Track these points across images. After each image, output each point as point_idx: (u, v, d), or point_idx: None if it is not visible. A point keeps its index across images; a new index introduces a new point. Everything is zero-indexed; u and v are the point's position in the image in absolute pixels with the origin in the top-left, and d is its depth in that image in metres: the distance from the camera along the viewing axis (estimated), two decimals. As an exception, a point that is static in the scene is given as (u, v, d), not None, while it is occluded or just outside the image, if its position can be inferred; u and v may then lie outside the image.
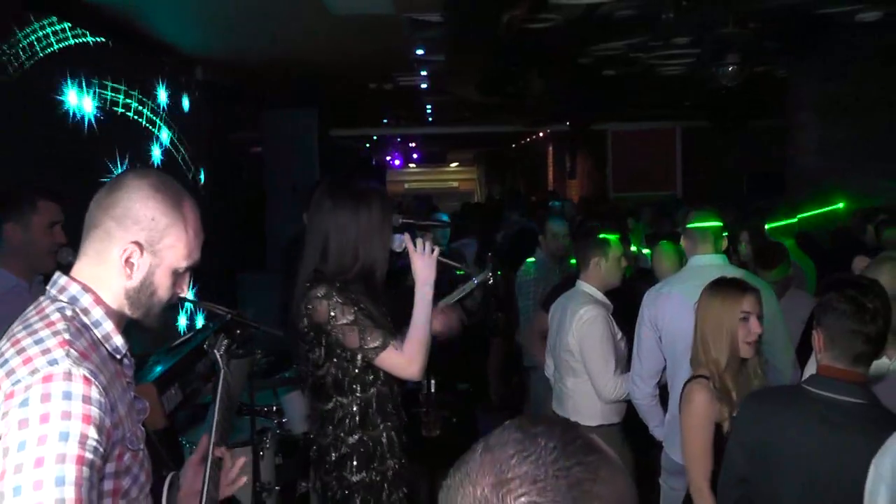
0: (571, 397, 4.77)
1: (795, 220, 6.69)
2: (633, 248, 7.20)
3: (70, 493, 1.68)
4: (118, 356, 1.99)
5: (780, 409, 2.86)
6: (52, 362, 1.78)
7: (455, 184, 30.96)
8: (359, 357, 3.16)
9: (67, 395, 1.74)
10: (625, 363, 4.67)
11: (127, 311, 2.01)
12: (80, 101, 5.70)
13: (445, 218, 9.15)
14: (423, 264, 3.23)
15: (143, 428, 2.05)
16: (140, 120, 6.91)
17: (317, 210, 3.26)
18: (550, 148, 20.29)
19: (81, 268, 1.99)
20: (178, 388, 3.25)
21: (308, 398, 3.36)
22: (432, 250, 3.25)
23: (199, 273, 2.14)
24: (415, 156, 27.56)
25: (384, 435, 3.23)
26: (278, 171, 11.48)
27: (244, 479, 2.44)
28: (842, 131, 9.15)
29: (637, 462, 4.49)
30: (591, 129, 15.07)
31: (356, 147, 19.21)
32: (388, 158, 25.23)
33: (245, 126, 12.11)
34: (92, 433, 1.75)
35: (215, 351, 2.50)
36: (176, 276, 2.05)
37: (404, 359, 3.15)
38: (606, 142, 16.37)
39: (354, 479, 3.18)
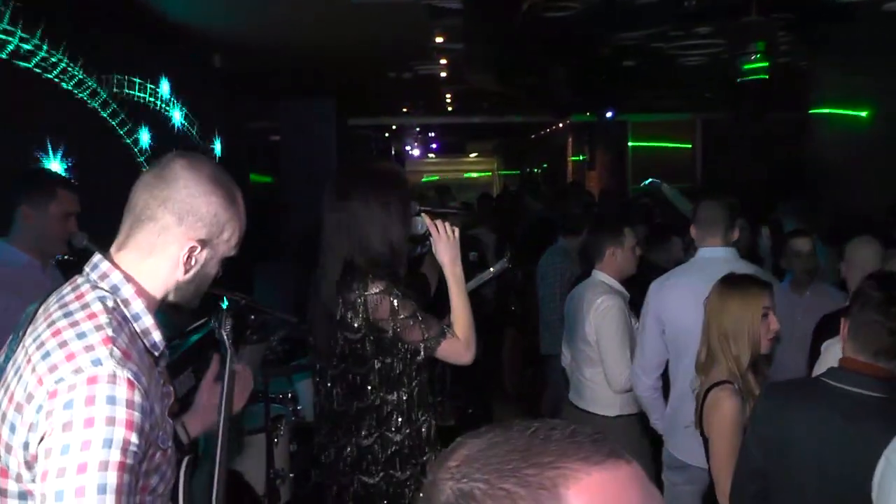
0: (589, 388, 4.74)
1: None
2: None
3: (112, 500, 1.68)
4: (156, 353, 1.96)
5: (798, 401, 2.80)
6: (97, 362, 1.75)
7: (474, 174, 30.90)
8: (419, 354, 3.09)
9: (112, 400, 1.72)
10: None
11: (171, 297, 2.00)
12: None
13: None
14: (447, 245, 3.21)
15: (171, 421, 2.03)
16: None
17: (339, 199, 3.14)
18: (570, 139, 20.20)
19: (127, 258, 1.95)
20: (191, 374, 3.24)
21: (327, 397, 3.23)
22: (454, 231, 3.24)
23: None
24: (434, 146, 27.49)
25: (425, 427, 3.19)
26: (296, 161, 11.48)
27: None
28: (864, 124, 9.06)
29: (655, 455, 4.45)
30: (610, 120, 14.97)
31: (375, 136, 19.17)
32: (406, 148, 25.19)
33: (263, 114, 12.10)
34: (134, 438, 1.73)
35: (222, 331, 2.48)
36: (221, 263, 2.06)
37: (462, 344, 3.12)
38: (626, 133, 16.28)
39: (404, 476, 3.12)
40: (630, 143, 16.19)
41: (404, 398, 3.12)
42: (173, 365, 3.15)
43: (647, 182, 9.60)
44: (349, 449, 3.14)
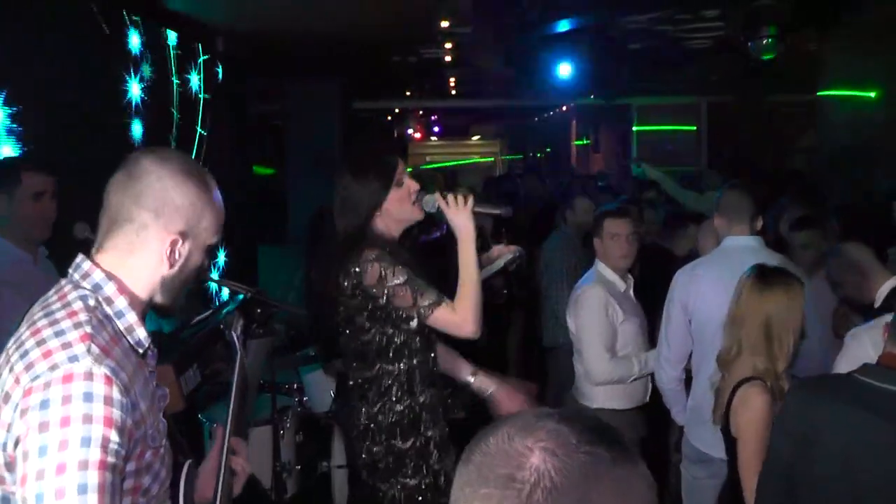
0: (577, 378, 4.64)
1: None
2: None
3: (94, 500, 1.63)
4: (140, 350, 1.91)
5: (829, 398, 2.67)
6: (73, 359, 1.71)
7: (476, 157, 30.79)
8: (412, 321, 3.11)
9: (88, 397, 1.68)
10: (638, 345, 4.53)
11: (158, 298, 1.97)
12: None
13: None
14: (461, 218, 3.14)
15: (164, 421, 2.00)
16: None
17: (339, 176, 3.22)
18: (574, 122, 20.10)
19: (107, 259, 1.92)
20: (197, 370, 3.18)
21: (343, 366, 3.30)
22: (466, 201, 3.16)
23: (221, 246, 2.08)
24: (436, 129, 27.42)
25: (428, 403, 3.20)
26: (300, 144, 11.41)
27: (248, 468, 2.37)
28: (871, 106, 8.96)
29: (655, 445, 4.40)
30: (615, 103, 14.88)
31: (378, 120, 19.10)
32: (409, 131, 25.12)
33: (267, 98, 12.02)
34: (114, 436, 1.69)
35: (231, 332, 2.42)
36: (207, 251, 2.02)
37: (458, 316, 3.08)
38: (631, 116, 16.17)
39: (405, 446, 3.15)
40: (635, 128, 16.07)
41: (404, 370, 3.16)
42: (177, 362, 3.09)
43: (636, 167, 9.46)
44: (360, 418, 3.20)
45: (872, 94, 8.97)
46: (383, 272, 3.04)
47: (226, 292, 7.59)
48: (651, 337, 4.63)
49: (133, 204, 1.89)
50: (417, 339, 3.19)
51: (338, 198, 3.19)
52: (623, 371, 4.41)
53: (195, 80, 7.65)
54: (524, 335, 8.37)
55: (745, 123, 14.58)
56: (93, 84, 5.47)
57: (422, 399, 3.20)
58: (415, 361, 3.19)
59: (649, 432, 4.59)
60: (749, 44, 7.31)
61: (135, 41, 6.18)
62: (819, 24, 8.67)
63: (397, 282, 3.04)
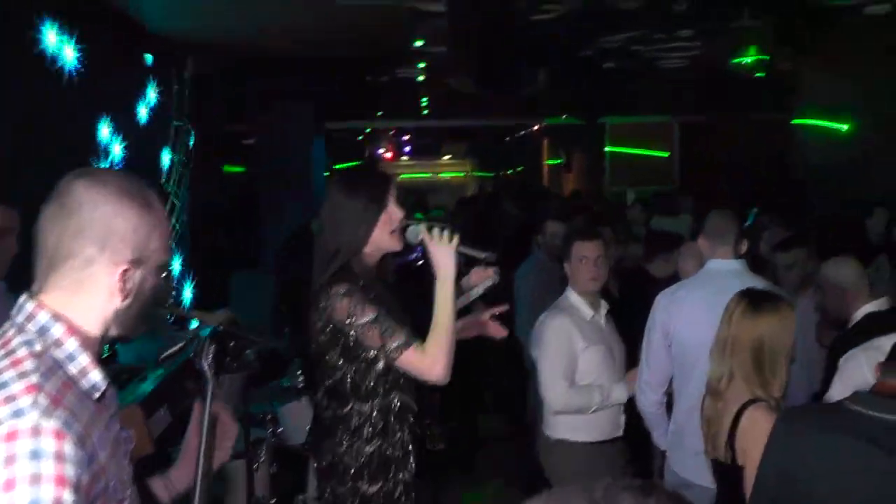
0: (543, 407, 4.53)
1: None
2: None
3: None
4: (96, 395, 1.74)
5: (816, 427, 2.62)
6: (18, 413, 1.54)
7: (447, 176, 30.74)
8: (380, 361, 2.99)
9: (36, 455, 1.51)
10: (606, 373, 4.41)
11: (113, 332, 1.80)
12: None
13: (439, 213, 8.92)
14: (444, 256, 2.99)
15: (129, 467, 1.85)
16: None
17: (327, 198, 3.13)
18: (545, 141, 20.09)
19: (51, 300, 1.73)
20: (167, 410, 3.02)
21: (317, 402, 3.17)
22: (451, 239, 3.01)
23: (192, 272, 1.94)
24: (407, 148, 27.35)
25: (401, 445, 3.08)
26: (272, 165, 11.24)
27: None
28: (845, 126, 9.01)
29: (638, 472, 4.30)
30: (588, 122, 14.87)
31: (351, 139, 19.01)
32: (380, 151, 25.04)
33: (239, 118, 11.87)
34: (67, 496, 1.52)
35: (202, 362, 2.27)
36: (160, 272, 1.86)
37: (427, 360, 2.93)
38: (604, 136, 16.14)
39: (371, 490, 3.02)
40: (607, 148, 16.05)
41: (378, 409, 3.04)
42: (147, 402, 2.94)
43: None
44: (329, 456, 3.09)
45: (847, 116, 9.01)
46: (352, 308, 2.92)
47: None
48: (632, 361, 4.52)
49: (73, 238, 1.72)
50: (392, 376, 3.05)
51: (328, 218, 3.06)
52: (582, 401, 4.31)
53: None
54: (501, 356, 8.26)
55: (719, 143, 14.61)
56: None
57: (394, 439, 3.08)
58: (390, 399, 3.06)
59: (630, 460, 4.50)
60: (729, 64, 7.32)
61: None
62: (797, 45, 8.71)
63: (366, 320, 2.92)
